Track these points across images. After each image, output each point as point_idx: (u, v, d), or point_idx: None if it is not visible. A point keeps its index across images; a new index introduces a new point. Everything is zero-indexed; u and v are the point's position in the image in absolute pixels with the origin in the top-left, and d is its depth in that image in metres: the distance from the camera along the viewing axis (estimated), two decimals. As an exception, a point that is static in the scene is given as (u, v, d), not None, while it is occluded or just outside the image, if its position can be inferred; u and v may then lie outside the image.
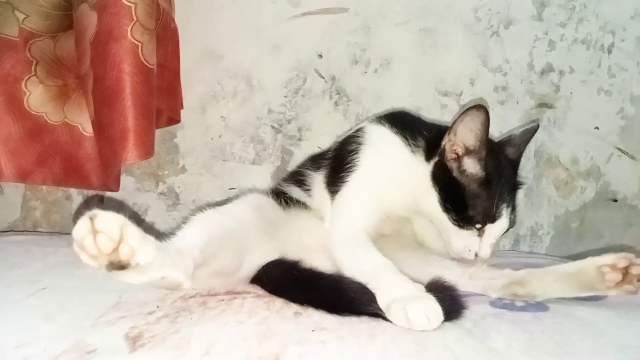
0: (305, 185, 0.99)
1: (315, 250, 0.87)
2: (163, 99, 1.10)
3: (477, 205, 0.85)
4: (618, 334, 0.67)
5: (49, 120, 1.08)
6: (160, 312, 0.68)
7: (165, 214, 1.27)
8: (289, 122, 1.25)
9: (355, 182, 0.90)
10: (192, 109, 1.23)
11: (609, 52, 1.24)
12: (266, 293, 0.79)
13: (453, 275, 0.83)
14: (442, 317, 0.66)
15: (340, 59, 1.23)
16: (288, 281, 0.79)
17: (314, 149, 1.23)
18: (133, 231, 0.58)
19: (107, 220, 0.57)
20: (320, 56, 1.23)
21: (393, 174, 0.90)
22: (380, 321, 0.68)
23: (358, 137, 0.94)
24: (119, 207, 1.25)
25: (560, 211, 1.29)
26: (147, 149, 0.97)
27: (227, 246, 0.77)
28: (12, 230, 1.25)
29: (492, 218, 0.87)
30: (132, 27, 0.92)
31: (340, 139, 1.01)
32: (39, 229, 1.27)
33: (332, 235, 0.87)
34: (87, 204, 1.25)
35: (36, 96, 1.07)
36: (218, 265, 0.76)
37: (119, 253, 0.57)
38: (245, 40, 1.22)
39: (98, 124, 1.00)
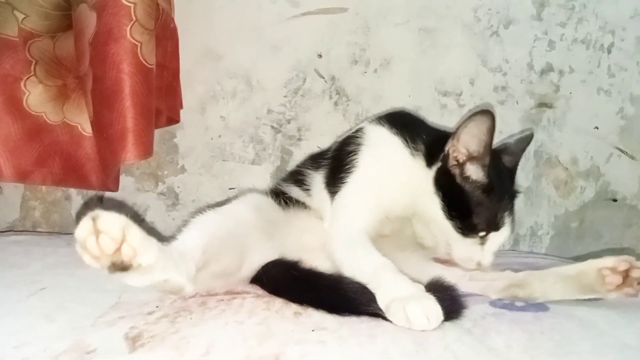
0: (305, 185, 0.98)
1: (315, 250, 0.87)
2: (162, 99, 1.10)
3: (481, 213, 0.84)
4: (618, 334, 0.67)
5: (48, 120, 1.08)
6: (160, 312, 0.68)
7: (164, 214, 1.27)
8: (288, 122, 1.25)
9: (354, 182, 0.90)
10: (192, 109, 1.23)
11: (609, 52, 1.24)
12: (266, 293, 0.79)
13: (453, 276, 0.83)
14: (441, 317, 0.66)
15: (340, 59, 1.23)
16: (288, 281, 0.79)
17: (314, 149, 1.23)
18: (135, 232, 0.58)
19: (110, 221, 0.56)
20: (320, 56, 1.23)
21: (392, 175, 0.90)
22: (380, 321, 0.68)
23: (357, 137, 0.93)
24: (119, 207, 1.25)
25: (560, 211, 1.29)
26: (146, 149, 0.97)
27: (227, 248, 0.77)
28: (11, 230, 1.25)
29: (496, 226, 0.86)
30: (131, 27, 0.92)
31: (340, 139, 1.01)
32: (39, 229, 1.27)
33: (331, 235, 0.87)
34: (88, 205, 1.25)
35: (35, 96, 1.07)
36: (219, 267, 0.76)
37: (121, 253, 0.57)
38: (245, 40, 1.22)
39: (97, 124, 1.00)
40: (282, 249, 0.85)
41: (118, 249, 0.56)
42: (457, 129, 0.85)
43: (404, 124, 0.94)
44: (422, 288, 0.70)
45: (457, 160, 0.85)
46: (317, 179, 0.97)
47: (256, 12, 1.21)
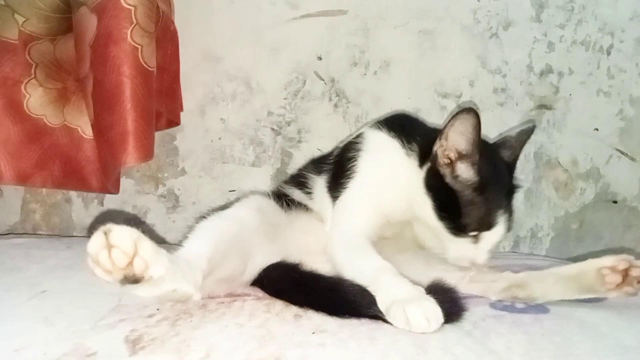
0: (307, 188, 0.99)
1: (317, 252, 0.87)
2: (163, 102, 1.10)
3: (472, 212, 0.84)
4: (618, 336, 0.67)
5: (48, 123, 1.08)
6: (160, 314, 0.68)
7: (165, 217, 1.27)
8: (288, 124, 1.25)
9: (354, 188, 0.90)
10: (192, 112, 1.23)
11: (608, 53, 1.24)
12: (266, 295, 0.79)
13: (453, 278, 0.83)
14: (442, 319, 0.66)
15: (340, 61, 1.23)
16: (288, 283, 0.79)
17: (314, 151, 1.23)
18: (147, 245, 0.58)
19: (122, 235, 0.57)
20: (320, 58, 1.23)
21: (391, 179, 0.90)
22: (381, 323, 0.68)
23: (357, 143, 0.94)
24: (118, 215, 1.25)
25: (560, 213, 1.29)
26: (146, 152, 0.97)
27: (231, 253, 0.78)
28: (11, 233, 1.25)
29: (488, 225, 0.85)
30: (131, 30, 0.92)
31: (342, 144, 1.00)
32: (39, 232, 1.27)
33: (332, 240, 0.87)
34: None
35: (36, 99, 1.07)
36: (223, 272, 0.76)
37: (133, 267, 0.57)
38: (245, 42, 1.22)
39: (98, 127, 1.00)
40: (284, 251, 0.85)
41: (130, 263, 0.57)
42: (444, 128, 0.85)
43: (402, 126, 0.94)
44: (423, 290, 0.70)
45: (447, 159, 0.85)
46: (320, 183, 0.97)
47: (256, 15, 1.21)
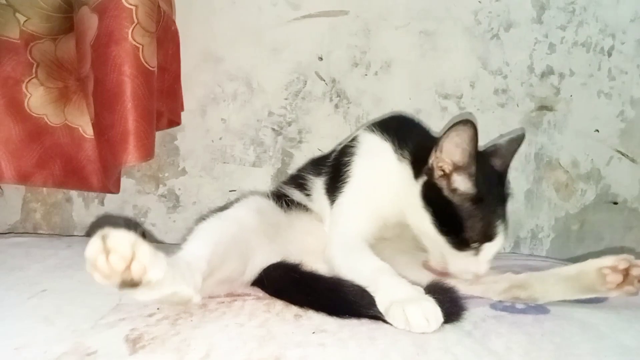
0: (306, 189, 0.99)
1: (316, 252, 0.87)
2: (163, 102, 1.10)
3: (474, 226, 0.82)
4: (618, 337, 0.67)
5: (49, 123, 1.08)
6: (161, 314, 0.68)
7: (165, 217, 1.27)
8: (289, 124, 1.25)
9: (349, 192, 0.90)
10: (193, 111, 1.23)
11: (609, 54, 1.24)
12: (266, 295, 0.79)
13: (454, 279, 0.83)
14: (441, 319, 0.66)
15: (341, 61, 1.23)
16: (288, 283, 0.79)
17: (314, 152, 1.23)
18: (144, 249, 0.58)
19: (119, 239, 0.57)
20: (321, 59, 1.23)
21: (384, 183, 0.89)
22: (381, 324, 0.68)
23: (352, 147, 0.93)
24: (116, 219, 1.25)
25: (560, 214, 1.29)
26: (147, 151, 0.97)
27: (231, 254, 0.77)
28: (12, 232, 1.25)
29: (489, 237, 0.84)
30: (132, 30, 0.92)
31: (339, 147, 1.00)
32: (39, 231, 1.27)
33: (330, 243, 0.87)
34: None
35: (37, 98, 1.07)
36: (223, 274, 0.76)
37: (131, 271, 0.57)
38: (246, 42, 1.22)
39: (98, 126, 1.00)
40: (284, 251, 0.85)
41: (128, 267, 0.57)
42: (439, 140, 0.82)
43: (397, 128, 0.93)
44: (422, 290, 0.70)
45: (443, 171, 0.83)
46: (318, 185, 0.97)
47: (257, 15, 1.21)
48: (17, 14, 1.04)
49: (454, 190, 0.83)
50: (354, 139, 0.95)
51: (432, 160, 0.84)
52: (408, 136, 0.92)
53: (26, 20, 1.05)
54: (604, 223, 1.29)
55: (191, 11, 1.20)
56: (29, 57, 1.06)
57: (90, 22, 0.95)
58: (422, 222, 0.85)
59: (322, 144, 1.23)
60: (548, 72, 1.24)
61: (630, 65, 1.25)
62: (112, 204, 1.26)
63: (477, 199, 0.82)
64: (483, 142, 1.03)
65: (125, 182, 1.23)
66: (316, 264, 0.83)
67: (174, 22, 1.14)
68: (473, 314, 0.72)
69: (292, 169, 1.24)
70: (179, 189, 1.26)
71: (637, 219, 1.29)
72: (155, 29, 0.98)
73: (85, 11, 0.97)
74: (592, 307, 0.78)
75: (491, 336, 0.66)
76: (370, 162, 0.92)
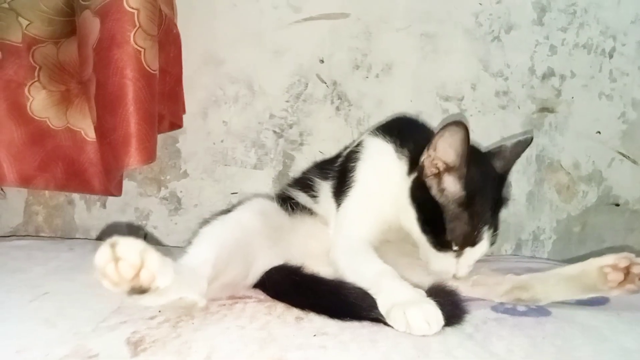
0: (313, 192, 0.98)
1: (320, 255, 0.87)
2: (165, 104, 1.10)
3: (456, 229, 0.81)
4: (619, 339, 0.67)
5: (51, 126, 1.08)
6: (162, 316, 0.69)
7: (167, 219, 1.27)
8: (290, 126, 1.25)
9: (354, 197, 0.90)
10: (194, 114, 1.24)
11: (610, 56, 1.24)
12: (268, 298, 0.79)
13: (456, 281, 0.83)
14: (442, 322, 0.66)
15: (342, 64, 1.23)
16: (289, 286, 0.79)
17: (316, 154, 1.23)
18: (153, 256, 0.59)
19: (128, 247, 0.58)
20: (322, 61, 1.23)
21: (385, 186, 0.89)
22: (382, 326, 0.68)
23: (357, 152, 0.94)
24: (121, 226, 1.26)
25: (562, 216, 1.29)
26: (149, 154, 0.97)
27: (235, 258, 0.78)
28: (14, 235, 1.26)
29: (472, 242, 0.83)
30: (134, 33, 0.93)
31: (346, 152, 1.00)
32: (41, 234, 1.27)
33: (334, 246, 0.87)
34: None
35: (39, 101, 1.07)
36: (228, 277, 0.77)
37: (140, 278, 0.58)
38: (247, 45, 1.22)
39: (100, 129, 1.00)
40: (286, 254, 0.86)
41: (137, 274, 0.57)
42: (432, 139, 0.82)
43: (400, 130, 0.94)
44: (423, 293, 0.70)
45: (434, 170, 0.83)
46: (326, 188, 0.97)
47: (258, 18, 1.22)
48: (20, 18, 1.05)
49: (442, 190, 0.83)
50: (358, 144, 0.96)
51: (424, 158, 0.84)
52: (410, 136, 0.92)
53: (28, 24, 1.05)
54: (605, 225, 1.29)
55: (193, 14, 1.20)
56: (31, 61, 1.06)
57: (92, 25, 0.96)
58: (408, 218, 0.85)
59: (324, 147, 1.24)
60: (549, 74, 1.24)
61: (631, 67, 1.24)
62: (113, 206, 1.26)
63: (464, 203, 0.82)
64: (484, 144, 1.04)
65: (127, 184, 1.23)
66: (318, 267, 0.83)
67: (176, 25, 1.14)
68: (474, 317, 0.72)
69: (293, 172, 1.24)
70: (181, 191, 1.27)
71: (639, 220, 1.29)
72: (157, 32, 0.98)
73: (87, 15, 0.97)
74: (593, 309, 0.78)
75: (492, 339, 0.66)
76: (372, 166, 0.92)
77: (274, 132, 1.25)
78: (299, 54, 1.23)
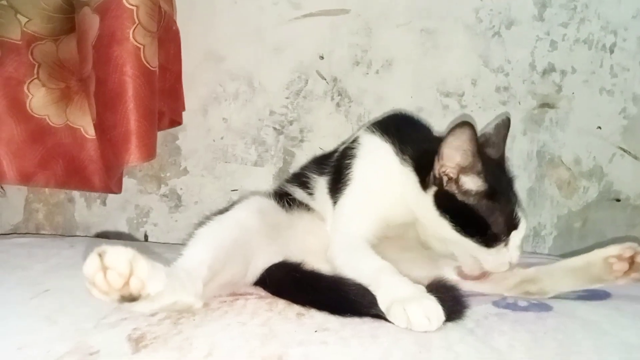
0: (309, 188, 0.98)
1: (319, 252, 0.87)
2: (165, 101, 1.10)
3: (497, 220, 0.81)
4: (621, 334, 0.67)
5: (51, 123, 1.08)
6: (163, 313, 0.68)
7: (167, 216, 1.27)
8: (290, 123, 1.25)
9: (351, 194, 0.89)
10: (194, 111, 1.24)
11: (611, 52, 1.24)
12: (269, 294, 0.79)
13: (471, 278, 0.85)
14: (443, 318, 0.65)
15: (342, 60, 1.23)
16: (290, 283, 0.79)
17: (316, 150, 1.23)
18: (142, 264, 0.58)
19: (116, 256, 0.57)
20: (322, 58, 1.23)
21: (385, 186, 0.89)
22: (383, 322, 0.68)
23: (353, 148, 0.93)
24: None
25: (563, 211, 1.29)
26: (149, 151, 0.97)
27: (233, 258, 0.77)
28: (14, 233, 1.26)
29: (515, 226, 0.83)
30: (134, 30, 0.92)
31: (342, 148, 1.00)
32: (42, 231, 1.28)
33: (332, 243, 0.87)
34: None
35: (38, 99, 1.07)
36: (225, 277, 0.76)
37: (129, 287, 0.57)
38: (247, 42, 1.22)
39: (100, 127, 1.00)
40: (286, 251, 0.85)
41: (126, 283, 0.57)
42: (439, 148, 0.81)
43: (397, 128, 0.93)
44: (423, 289, 0.70)
45: (449, 177, 0.82)
46: (321, 184, 0.97)
47: (258, 14, 1.21)
48: (19, 15, 1.04)
49: (466, 192, 0.82)
50: (354, 140, 0.95)
51: (437, 169, 0.83)
52: (409, 138, 0.91)
53: (27, 21, 1.05)
54: (606, 220, 1.29)
55: (192, 11, 1.20)
56: (31, 58, 1.06)
57: (91, 22, 0.96)
58: (443, 230, 0.83)
59: (324, 143, 1.23)
60: (550, 70, 1.24)
61: (632, 62, 1.24)
62: (114, 204, 1.27)
63: (491, 194, 0.82)
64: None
65: (127, 182, 1.23)
66: (318, 263, 0.83)
67: (175, 22, 1.14)
68: (475, 312, 0.72)
69: (293, 168, 1.24)
70: (181, 188, 1.27)
71: (640, 216, 1.29)
72: (157, 29, 0.98)
73: (86, 12, 0.97)
74: (594, 304, 0.78)
75: (494, 334, 0.66)
76: (371, 165, 0.91)
77: (274, 128, 1.25)
78: (299, 50, 1.23)
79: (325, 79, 1.24)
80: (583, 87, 1.24)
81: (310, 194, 0.98)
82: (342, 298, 0.73)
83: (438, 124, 1.13)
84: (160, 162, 1.24)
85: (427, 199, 0.84)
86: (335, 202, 0.92)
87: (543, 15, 1.22)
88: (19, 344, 0.60)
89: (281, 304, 0.75)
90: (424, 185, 0.85)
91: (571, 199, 1.28)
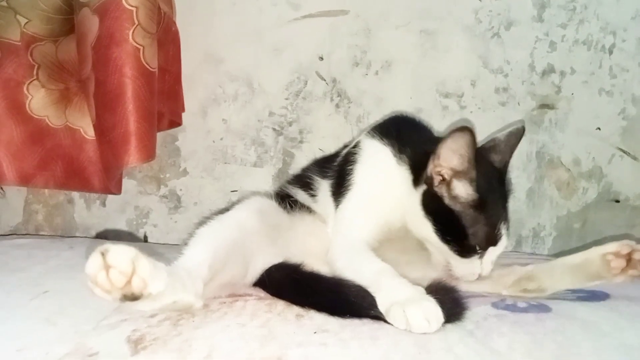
0: (311, 190, 0.98)
1: (319, 254, 0.87)
2: (164, 102, 1.10)
3: (477, 233, 0.81)
4: (620, 335, 0.67)
5: (50, 124, 1.08)
6: (162, 315, 0.68)
7: (167, 217, 1.27)
8: (290, 124, 1.25)
9: (352, 199, 0.89)
10: (194, 112, 1.24)
11: (610, 52, 1.24)
12: (268, 295, 0.79)
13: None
14: (442, 320, 0.65)
15: (341, 61, 1.23)
16: (290, 284, 0.79)
17: (315, 151, 1.23)
18: (144, 263, 0.59)
19: (119, 255, 0.57)
20: (321, 59, 1.23)
21: (385, 190, 0.88)
22: (382, 323, 0.68)
23: (355, 153, 0.93)
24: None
25: (562, 212, 1.29)
26: (148, 152, 0.97)
27: (233, 258, 0.78)
28: (14, 234, 1.26)
29: (494, 242, 0.83)
30: (133, 31, 0.92)
31: (344, 152, 0.99)
32: (41, 233, 1.27)
33: (332, 246, 0.87)
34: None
35: (38, 100, 1.07)
36: (225, 277, 0.77)
37: (131, 286, 0.58)
38: (246, 43, 1.22)
39: (100, 128, 1.00)
40: (286, 252, 0.85)
41: (129, 282, 0.57)
42: (437, 148, 0.81)
43: (397, 131, 0.92)
44: (423, 291, 0.70)
45: (442, 177, 0.82)
46: (324, 187, 0.97)
47: (257, 16, 1.21)
48: (18, 16, 1.04)
49: (454, 198, 0.81)
50: (356, 145, 0.95)
51: (431, 168, 0.82)
52: (408, 139, 0.91)
53: (27, 22, 1.05)
54: (605, 221, 1.29)
55: (192, 12, 1.20)
56: (30, 59, 1.06)
57: (91, 23, 0.96)
58: (424, 230, 0.83)
59: (323, 144, 1.23)
60: (549, 71, 1.24)
61: (631, 63, 1.24)
62: (113, 205, 1.26)
63: (479, 205, 0.81)
64: (484, 141, 1.03)
65: (127, 183, 1.23)
66: (318, 265, 0.83)
67: (175, 23, 1.14)
68: (475, 314, 0.72)
69: (293, 169, 1.24)
70: (181, 189, 1.27)
71: (639, 217, 1.29)
72: (156, 30, 0.98)
73: (86, 13, 0.97)
74: (593, 305, 0.78)
75: (493, 335, 0.66)
76: (371, 169, 0.91)
77: (274, 129, 1.25)
78: (298, 51, 1.23)
79: (324, 80, 1.24)
80: (582, 88, 1.25)
81: (313, 196, 0.98)
82: (342, 300, 0.73)
83: (437, 125, 1.13)
84: (159, 163, 1.24)
85: (415, 196, 0.85)
86: (337, 206, 0.92)
87: (542, 16, 1.22)
88: (18, 346, 0.60)
89: (280, 305, 0.75)
90: (416, 182, 0.85)
91: (570, 200, 1.28)
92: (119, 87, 0.93)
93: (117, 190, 1.11)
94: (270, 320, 0.69)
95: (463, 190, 0.81)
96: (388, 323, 0.68)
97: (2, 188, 1.24)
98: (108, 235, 1.26)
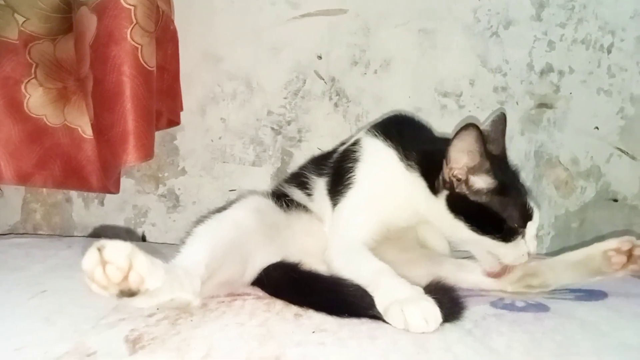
0: (307, 188, 0.98)
1: (316, 253, 0.87)
2: (163, 101, 1.10)
3: (512, 214, 0.82)
4: (619, 335, 0.67)
5: (48, 123, 1.08)
6: (161, 314, 0.68)
7: (165, 216, 1.27)
8: (288, 123, 1.25)
9: (352, 198, 0.89)
10: (192, 111, 1.23)
11: (609, 52, 1.24)
12: (266, 295, 0.79)
13: (465, 274, 0.87)
14: (440, 319, 0.66)
15: (340, 60, 1.23)
16: (288, 283, 0.79)
17: (314, 150, 1.23)
18: (141, 259, 0.58)
19: (116, 251, 0.57)
20: (320, 57, 1.23)
21: (390, 192, 0.88)
22: (381, 323, 0.68)
23: (355, 151, 0.92)
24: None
25: (560, 211, 1.29)
26: (147, 151, 0.97)
27: (230, 257, 0.78)
28: (12, 233, 1.25)
29: (529, 216, 0.84)
30: (131, 30, 0.92)
31: (341, 149, 0.99)
32: (39, 232, 1.27)
33: (330, 246, 0.87)
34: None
35: (36, 99, 1.07)
36: (223, 276, 0.76)
37: (128, 281, 0.57)
38: (245, 42, 1.22)
39: (98, 127, 1.00)
40: (283, 251, 0.85)
41: (125, 277, 0.57)
42: (447, 152, 0.82)
43: (400, 132, 0.92)
44: (421, 290, 0.70)
45: (459, 178, 0.83)
46: (320, 185, 0.97)
47: (256, 14, 1.21)
48: (16, 15, 1.04)
49: (477, 192, 0.82)
50: (355, 143, 0.94)
51: (446, 173, 0.83)
52: (412, 141, 0.90)
53: (25, 20, 1.05)
54: (604, 220, 1.29)
55: (190, 11, 1.19)
56: (28, 58, 1.06)
57: (89, 22, 0.95)
58: (459, 232, 0.84)
59: (322, 143, 1.23)
60: (547, 70, 1.24)
61: (630, 63, 1.24)
62: (111, 204, 1.26)
63: (501, 189, 0.82)
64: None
65: (125, 182, 1.23)
66: (316, 264, 0.83)
67: (173, 21, 1.13)
68: (473, 313, 0.72)
69: (291, 168, 1.24)
70: (179, 188, 1.26)
71: (638, 216, 1.29)
72: (154, 29, 0.98)
73: (84, 11, 0.97)
74: (592, 305, 0.78)
75: (492, 335, 0.66)
76: (374, 170, 0.90)
77: (272, 128, 1.25)
78: (297, 50, 1.22)
79: (323, 79, 1.24)
80: (581, 88, 1.25)
81: (309, 194, 0.98)
82: (340, 299, 0.73)
83: (436, 124, 1.13)
84: (158, 162, 1.24)
85: (439, 203, 0.84)
86: (334, 204, 0.92)
87: (541, 16, 1.22)
88: (16, 345, 0.60)
89: (279, 304, 0.75)
90: (434, 190, 0.85)
91: (569, 199, 1.29)
92: (117, 86, 0.93)
93: (115, 189, 1.11)
94: (269, 319, 0.69)
95: (482, 182, 0.82)
96: (386, 322, 0.68)
97: (0, 187, 1.23)
98: (105, 233, 1.26)
